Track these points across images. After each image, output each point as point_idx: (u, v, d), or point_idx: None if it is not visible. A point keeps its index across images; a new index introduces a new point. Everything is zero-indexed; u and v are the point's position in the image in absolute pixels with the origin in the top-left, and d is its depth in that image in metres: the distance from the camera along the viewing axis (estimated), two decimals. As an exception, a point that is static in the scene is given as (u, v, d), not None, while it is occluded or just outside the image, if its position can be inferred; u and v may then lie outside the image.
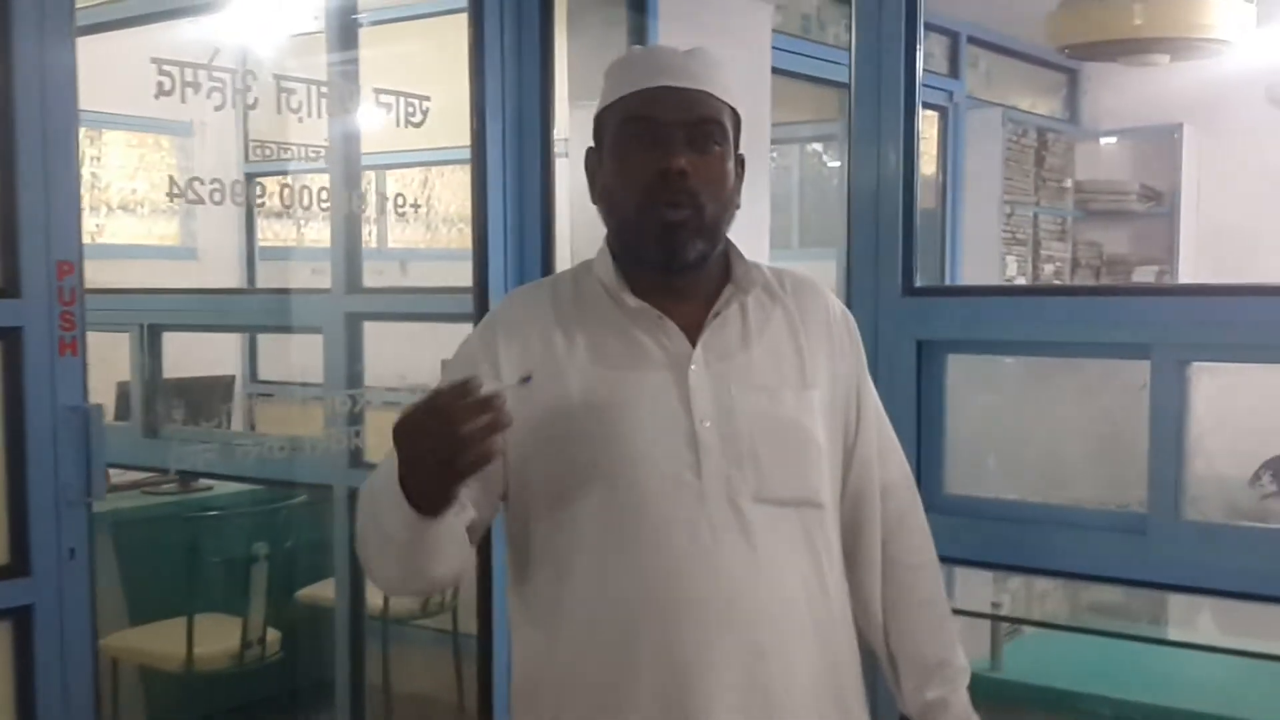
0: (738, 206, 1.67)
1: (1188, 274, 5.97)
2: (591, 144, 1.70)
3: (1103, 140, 6.48)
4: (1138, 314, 2.13)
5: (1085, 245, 6.34)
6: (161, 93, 2.54)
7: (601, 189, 1.67)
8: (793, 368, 1.65)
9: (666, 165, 1.56)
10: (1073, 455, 2.58)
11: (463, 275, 2.97)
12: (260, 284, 5.36)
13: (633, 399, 1.59)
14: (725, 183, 1.62)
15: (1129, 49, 3.63)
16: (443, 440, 1.35)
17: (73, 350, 2.16)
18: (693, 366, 1.60)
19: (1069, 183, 6.21)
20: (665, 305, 1.63)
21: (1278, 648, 2.67)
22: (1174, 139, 6.08)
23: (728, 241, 1.68)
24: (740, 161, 1.67)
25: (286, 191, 3.65)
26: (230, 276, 5.45)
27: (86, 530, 2.19)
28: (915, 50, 2.44)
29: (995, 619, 2.75)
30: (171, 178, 2.79)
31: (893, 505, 1.75)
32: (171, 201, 2.79)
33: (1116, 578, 2.21)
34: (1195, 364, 2.11)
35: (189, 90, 2.58)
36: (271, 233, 5.38)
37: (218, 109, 2.66)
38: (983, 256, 5.47)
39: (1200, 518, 2.13)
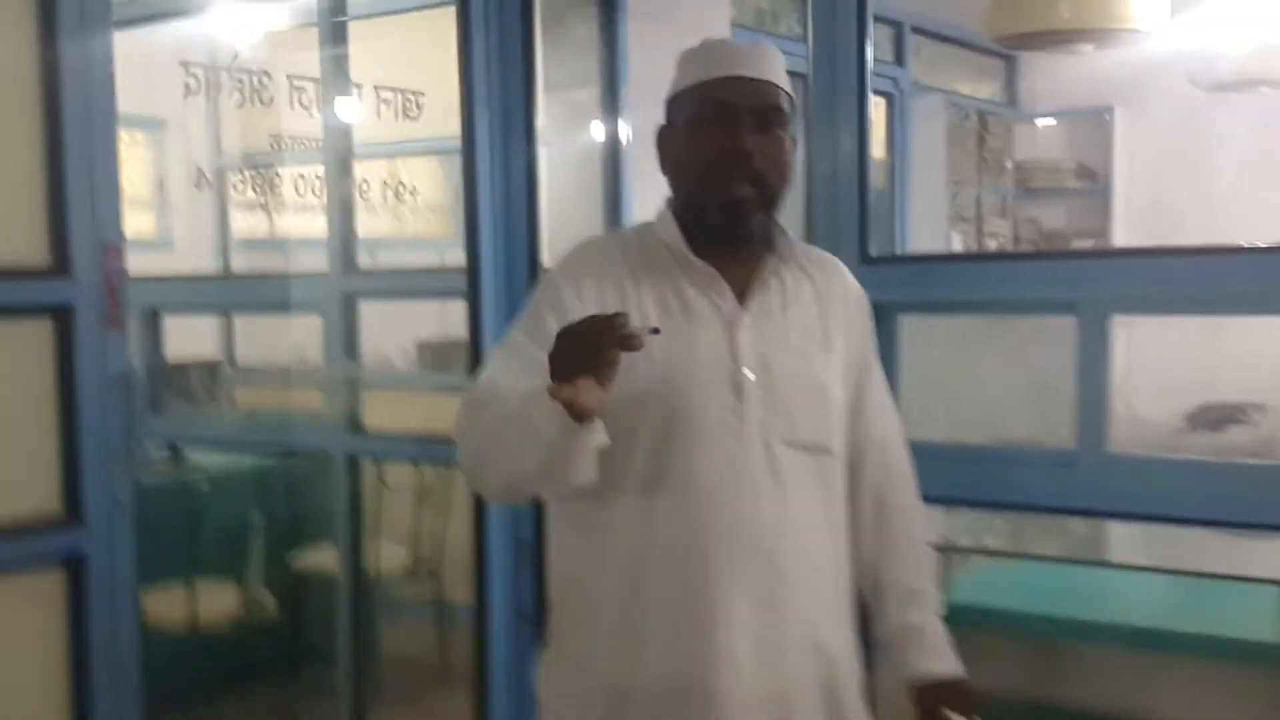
0: (791, 183, 1.88)
1: (1122, 246, 6.31)
2: (663, 122, 1.90)
3: (1040, 122, 6.79)
4: (1064, 275, 2.42)
5: (1025, 221, 6.66)
6: (189, 93, 2.76)
7: (674, 162, 1.87)
8: (818, 333, 1.89)
9: (737, 145, 1.78)
10: (1011, 401, 2.86)
11: (430, 260, 3.12)
12: (234, 272, 5.53)
13: (689, 347, 1.80)
14: (785, 163, 1.84)
15: (1057, 39, 3.94)
16: (591, 341, 1.55)
17: (118, 325, 2.38)
18: (742, 324, 1.83)
19: (1009, 163, 6.51)
20: (718, 267, 1.85)
21: (1194, 566, 2.97)
22: (1105, 120, 6.42)
23: (773, 218, 1.89)
24: (794, 143, 1.88)
25: (270, 177, 3.81)
26: (205, 266, 5.61)
27: (131, 485, 2.40)
28: (865, 42, 2.69)
29: (943, 550, 3.05)
30: (200, 169, 2.97)
31: (887, 457, 1.99)
32: (200, 190, 2.97)
33: (1050, 506, 2.50)
34: (1125, 319, 2.38)
35: (213, 89, 2.80)
36: (244, 224, 5.55)
37: (239, 106, 2.88)
38: (930, 233, 5.75)
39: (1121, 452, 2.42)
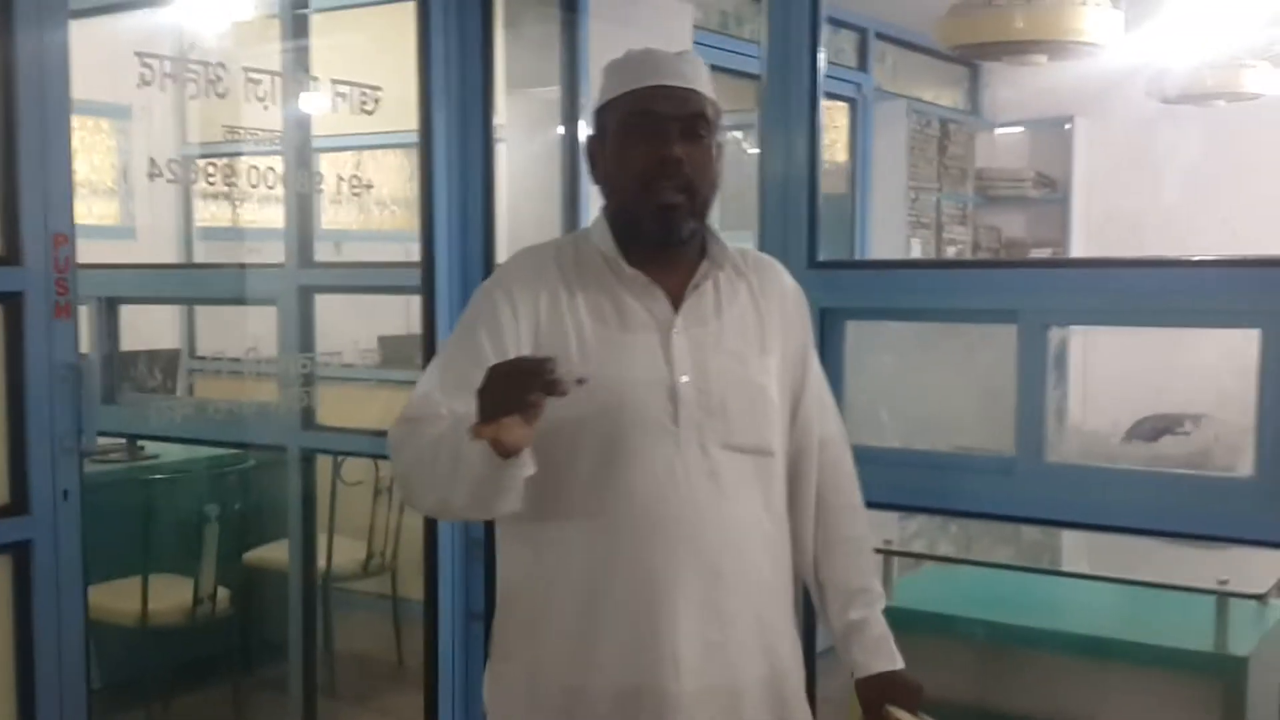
0: (719, 188, 1.92)
1: (1079, 255, 6.38)
2: (592, 133, 1.93)
3: (1001, 130, 6.86)
4: (1005, 284, 2.47)
5: (985, 229, 6.72)
6: (143, 83, 2.77)
7: (604, 173, 1.91)
8: (755, 335, 1.92)
9: (665, 154, 1.81)
10: (955, 408, 2.91)
11: (392, 254, 3.15)
12: (197, 262, 5.53)
13: (623, 354, 1.84)
14: (712, 169, 1.88)
15: (1011, 50, 3.99)
16: (518, 382, 1.58)
17: (66, 314, 2.37)
18: (675, 330, 1.86)
19: (970, 170, 6.58)
20: (653, 274, 1.88)
21: (1140, 575, 3.02)
22: (1065, 130, 6.49)
23: (706, 223, 1.93)
24: (720, 149, 1.92)
25: (229, 171, 3.82)
26: (168, 255, 5.60)
27: (79, 475, 2.40)
28: (818, 47, 2.70)
29: (887, 554, 3.09)
30: (152, 160, 2.98)
31: (828, 455, 2.02)
32: (151, 181, 2.98)
33: (989, 513, 2.55)
34: (1083, 330, 2.43)
35: (168, 81, 2.81)
36: (209, 213, 5.54)
37: (192, 98, 2.90)
38: (890, 238, 5.79)
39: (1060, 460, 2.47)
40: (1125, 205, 6.06)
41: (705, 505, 1.84)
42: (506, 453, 1.62)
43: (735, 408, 1.87)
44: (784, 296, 2.00)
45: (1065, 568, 3.52)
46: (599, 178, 1.94)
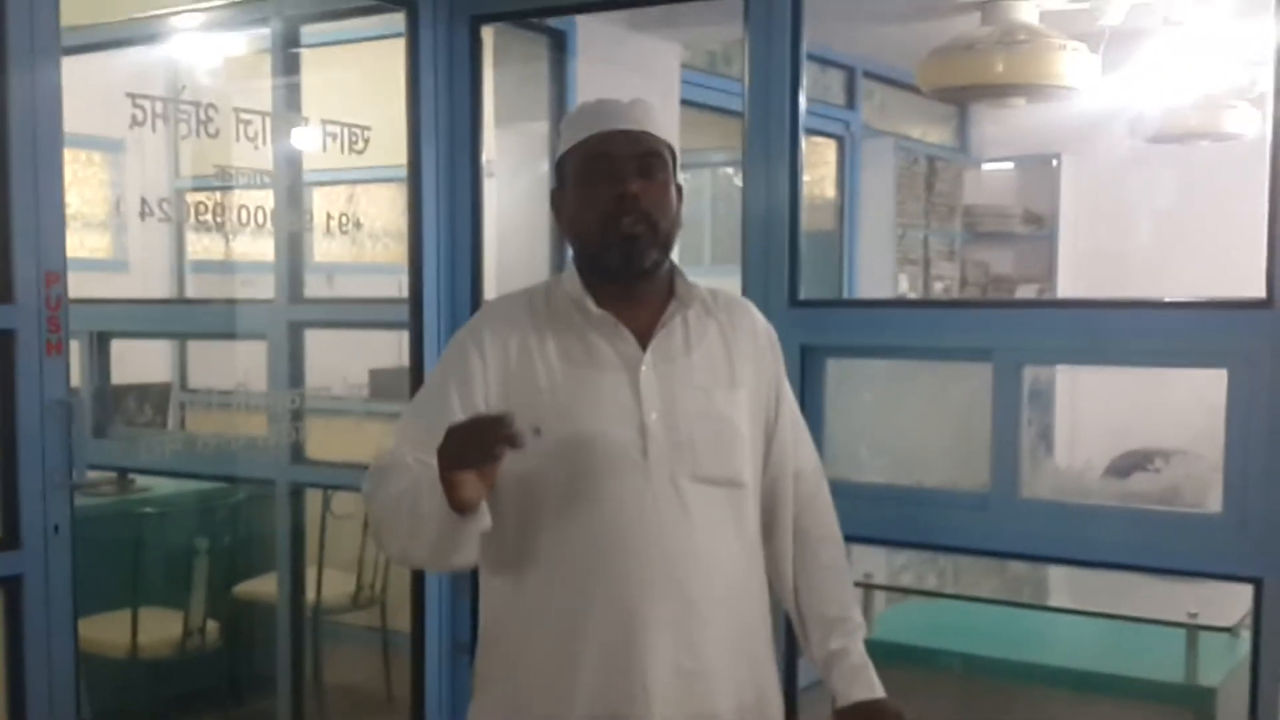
0: (680, 225, 1.98)
1: (1066, 291, 6.43)
2: (554, 186, 2.01)
3: (989, 167, 6.93)
4: (980, 324, 2.52)
5: (973, 265, 6.78)
6: (135, 123, 2.82)
7: (568, 218, 1.97)
8: (724, 371, 1.97)
9: (622, 190, 1.88)
10: (932, 444, 2.95)
11: (385, 287, 3.21)
12: (190, 296, 5.57)
13: (593, 393, 1.90)
14: (669, 203, 1.94)
15: (991, 93, 4.07)
16: (475, 439, 1.66)
17: (58, 350, 2.40)
18: (643, 368, 1.92)
19: (958, 206, 6.64)
20: (622, 314, 1.94)
21: (1109, 607, 3.06)
22: (1053, 167, 6.57)
23: (673, 264, 2.00)
24: (679, 189, 1.99)
25: (219, 209, 3.86)
26: (160, 288, 5.65)
27: (69, 509, 2.42)
28: (799, 86, 2.76)
29: (867, 587, 3.12)
30: (144, 199, 3.02)
31: (804, 487, 2.07)
32: (143, 220, 3.01)
33: (964, 547, 2.59)
34: (1069, 369, 2.48)
35: (159, 121, 2.87)
36: (201, 247, 5.57)
37: (184, 138, 2.95)
38: (878, 274, 5.85)
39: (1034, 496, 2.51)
40: (1111, 242, 6.13)
41: (676, 536, 1.88)
42: (462, 508, 1.70)
43: (703, 441, 1.92)
44: (755, 333, 2.05)
45: (1050, 601, 3.56)
46: (564, 225, 2.00)
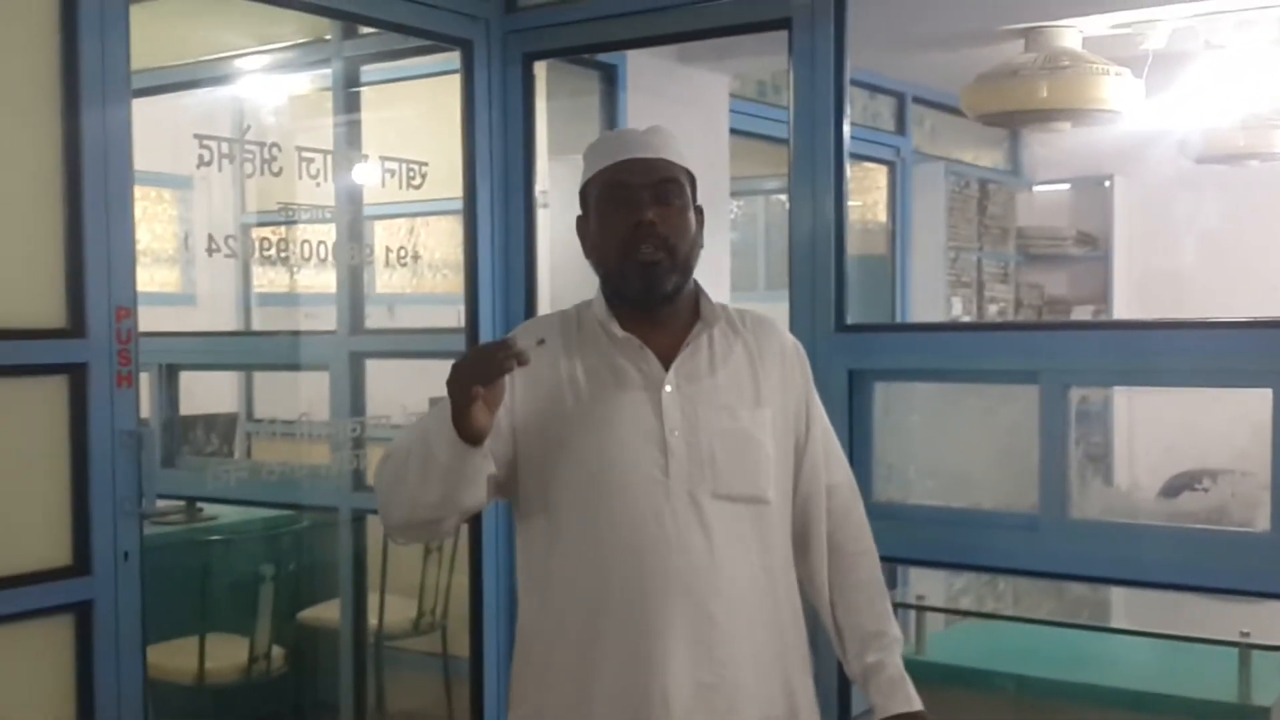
0: (701, 246, 2.04)
1: (1121, 312, 6.41)
2: (579, 213, 2.07)
3: (1042, 189, 6.92)
4: (1026, 346, 2.54)
5: (1028, 287, 6.77)
6: (202, 163, 2.94)
7: (591, 245, 2.03)
8: (749, 389, 2.01)
9: (639, 218, 1.94)
10: (981, 466, 2.96)
11: (445, 317, 3.27)
12: (256, 328, 5.70)
13: (616, 412, 1.96)
14: (687, 228, 2.00)
15: (1035, 118, 4.10)
16: (482, 358, 1.75)
17: (128, 382, 2.48)
18: (667, 387, 1.97)
19: (1011, 229, 6.63)
20: (646, 336, 1.99)
21: (1162, 627, 3.06)
22: (1105, 188, 6.55)
23: (697, 285, 2.05)
24: (699, 211, 2.04)
25: (283, 244, 3.96)
26: (227, 321, 5.78)
27: (139, 537, 2.50)
28: (843, 114, 2.81)
29: (919, 609, 3.14)
30: (210, 235, 3.13)
31: (837, 502, 2.10)
32: (210, 255, 3.12)
33: (1014, 569, 2.60)
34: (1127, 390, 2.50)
35: (225, 161, 2.98)
36: (266, 280, 5.70)
37: (249, 176, 3.05)
38: (930, 298, 5.86)
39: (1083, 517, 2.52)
40: (1165, 263, 6.10)
41: (695, 552, 1.92)
42: (474, 437, 1.77)
43: (724, 458, 1.96)
44: (783, 353, 2.09)
45: (1110, 622, 3.55)
46: (588, 251, 2.06)
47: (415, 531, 2.09)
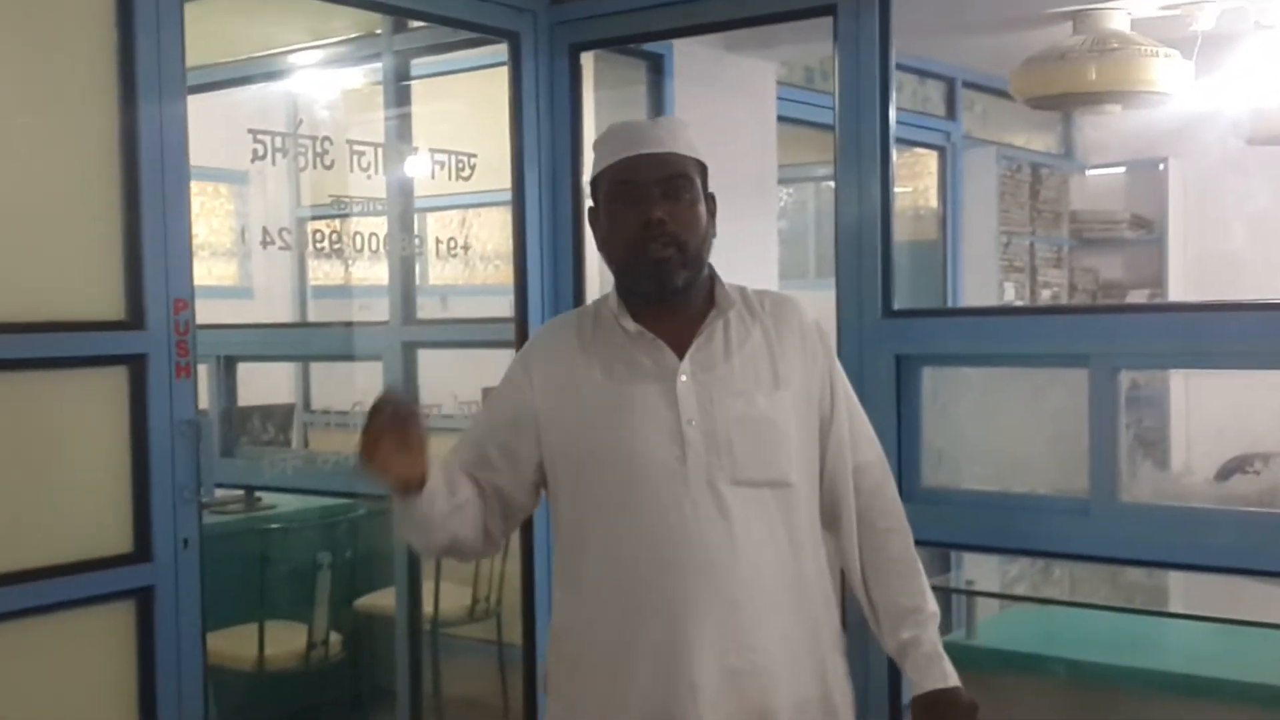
0: (714, 236, 2.04)
1: (1177, 296, 6.33)
2: (590, 205, 2.08)
3: (1095, 172, 6.84)
4: (1075, 329, 2.53)
5: (1082, 271, 6.70)
6: (256, 158, 2.99)
7: (602, 240, 2.05)
8: (766, 373, 2.02)
9: (648, 217, 1.94)
10: (1031, 450, 2.95)
11: (497, 307, 3.31)
12: (311, 320, 5.78)
13: (631, 405, 1.97)
14: (698, 222, 2.00)
15: (1084, 100, 4.07)
16: (364, 440, 1.86)
17: (186, 373, 2.53)
18: (681, 377, 1.98)
19: (1064, 213, 6.57)
20: (660, 328, 2.00)
21: (1225, 613, 3.02)
22: (1159, 171, 6.47)
23: (712, 271, 2.05)
24: (711, 200, 2.05)
25: (336, 236, 4.00)
26: (283, 313, 5.87)
27: (198, 524, 2.55)
28: (889, 99, 2.80)
29: (968, 594, 3.13)
30: (265, 229, 3.18)
31: (867, 481, 2.10)
32: (265, 248, 3.17)
33: (1065, 553, 2.59)
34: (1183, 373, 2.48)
35: (279, 155, 3.02)
36: (321, 273, 5.78)
37: (302, 170, 3.10)
38: (982, 283, 5.82)
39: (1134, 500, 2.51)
40: (1220, 246, 6.02)
41: (716, 539, 1.94)
42: (403, 489, 1.89)
43: (741, 444, 1.97)
44: (803, 333, 2.08)
45: (1167, 607, 3.51)
46: (600, 245, 2.07)
47: (456, 558, 2.15)
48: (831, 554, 2.10)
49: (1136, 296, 6.39)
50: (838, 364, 2.13)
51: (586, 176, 3.42)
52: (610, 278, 2.07)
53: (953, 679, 2.02)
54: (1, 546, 2.32)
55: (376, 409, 1.84)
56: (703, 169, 2.04)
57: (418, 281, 4.42)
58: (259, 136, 3.10)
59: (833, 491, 2.08)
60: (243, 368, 4.65)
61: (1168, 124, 5.39)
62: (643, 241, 1.95)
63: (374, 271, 4.17)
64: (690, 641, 1.92)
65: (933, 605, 2.09)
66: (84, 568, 2.43)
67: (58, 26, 2.41)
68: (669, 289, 1.99)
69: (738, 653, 1.94)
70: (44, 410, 2.41)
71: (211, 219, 5.98)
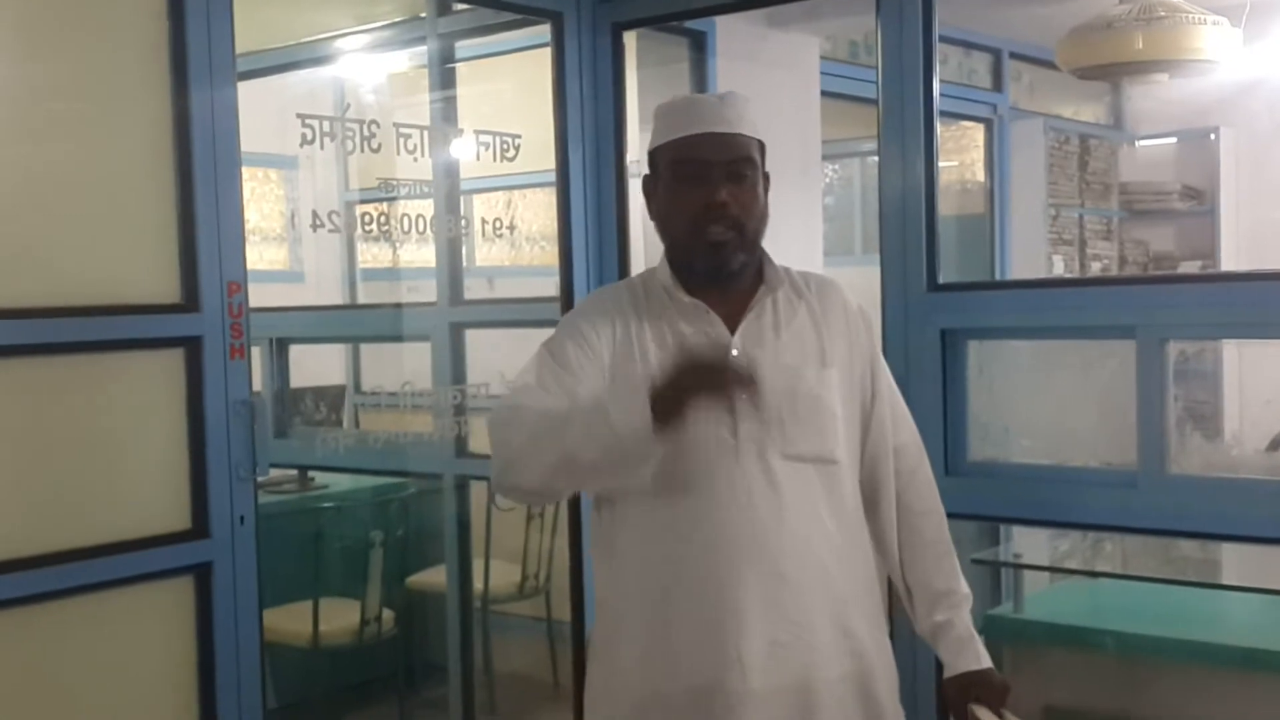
0: (767, 216, 2.04)
1: (1230, 267, 6.23)
2: (647, 172, 2.08)
3: (1145, 143, 6.75)
4: (1121, 301, 2.51)
5: (1132, 243, 6.63)
6: (305, 142, 3.03)
7: (658, 213, 2.05)
8: (814, 351, 2.04)
9: (713, 199, 1.95)
10: (1079, 423, 2.94)
11: (542, 288, 3.33)
12: (361, 302, 5.84)
13: None
14: (758, 205, 2.01)
15: (1131, 70, 4.03)
16: (713, 382, 1.78)
17: (240, 355, 2.58)
18: (733, 350, 1.99)
19: (1114, 184, 6.50)
20: (711, 301, 2.02)
21: (1276, 584, 3.00)
22: (1211, 141, 6.38)
23: (761, 250, 2.06)
24: (766, 178, 2.05)
25: (384, 219, 4.05)
26: (333, 296, 5.93)
27: (253, 502, 2.60)
28: (933, 71, 2.80)
29: (1015, 566, 3.12)
30: (315, 212, 3.23)
31: (904, 463, 2.12)
32: (315, 232, 3.22)
33: (1113, 525, 2.58)
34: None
35: (327, 139, 3.07)
36: (370, 256, 5.84)
37: (350, 154, 3.14)
38: (1030, 256, 5.78)
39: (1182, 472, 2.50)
40: (1275, 215, 5.93)
41: (765, 513, 1.95)
42: (668, 428, 1.78)
43: (793, 419, 1.98)
44: (847, 315, 2.10)
45: (1220, 580, 3.49)
46: (654, 215, 2.07)
47: (538, 497, 2.13)
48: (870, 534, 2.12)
49: (1188, 268, 6.31)
50: (879, 346, 2.14)
51: (634, 150, 3.49)
52: (654, 253, 2.08)
53: (985, 660, 2.04)
54: (64, 524, 2.38)
55: (745, 384, 1.79)
56: (763, 149, 2.04)
57: (464, 263, 4.47)
58: (307, 121, 3.14)
59: (873, 472, 2.09)
60: (294, 350, 4.71)
61: (1218, 92, 5.33)
62: (704, 222, 1.96)
63: (421, 253, 4.20)
64: (738, 614, 1.93)
65: (965, 588, 2.11)
66: (144, 544, 2.48)
67: (112, 18, 2.46)
68: (725, 271, 2.00)
69: (784, 626, 1.95)
70: (104, 391, 2.46)
71: (262, 204, 6.05)
